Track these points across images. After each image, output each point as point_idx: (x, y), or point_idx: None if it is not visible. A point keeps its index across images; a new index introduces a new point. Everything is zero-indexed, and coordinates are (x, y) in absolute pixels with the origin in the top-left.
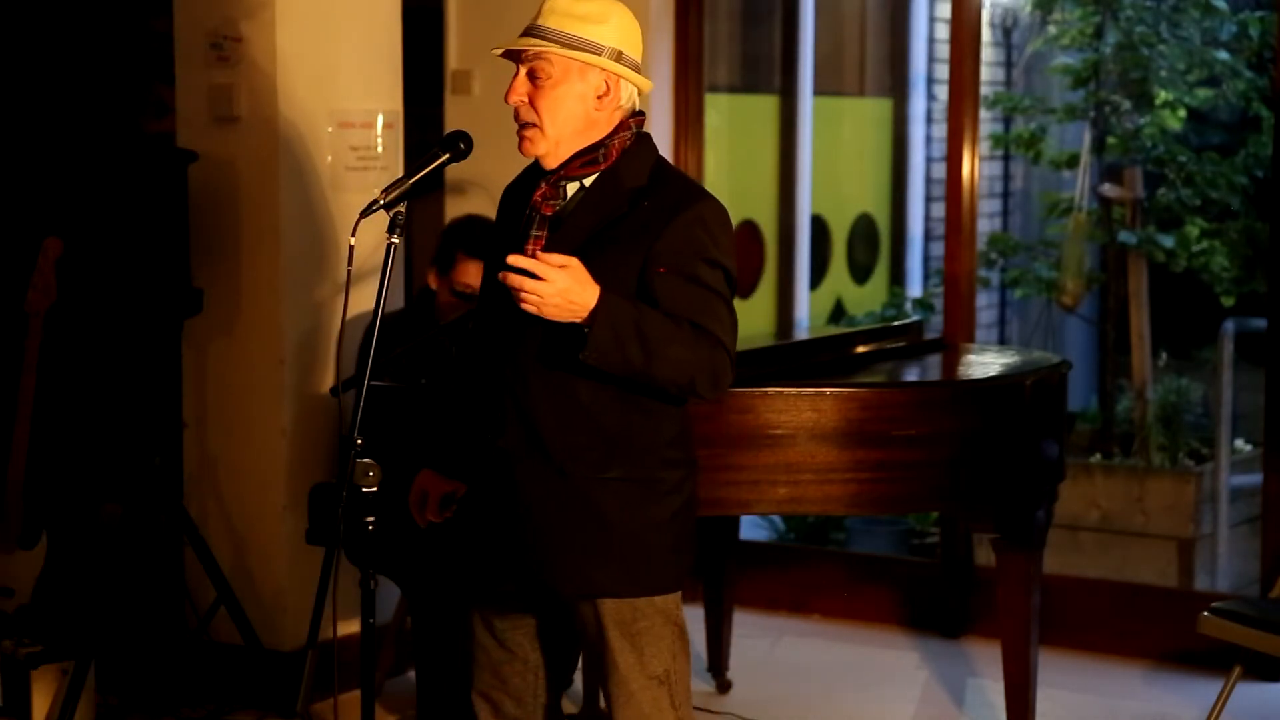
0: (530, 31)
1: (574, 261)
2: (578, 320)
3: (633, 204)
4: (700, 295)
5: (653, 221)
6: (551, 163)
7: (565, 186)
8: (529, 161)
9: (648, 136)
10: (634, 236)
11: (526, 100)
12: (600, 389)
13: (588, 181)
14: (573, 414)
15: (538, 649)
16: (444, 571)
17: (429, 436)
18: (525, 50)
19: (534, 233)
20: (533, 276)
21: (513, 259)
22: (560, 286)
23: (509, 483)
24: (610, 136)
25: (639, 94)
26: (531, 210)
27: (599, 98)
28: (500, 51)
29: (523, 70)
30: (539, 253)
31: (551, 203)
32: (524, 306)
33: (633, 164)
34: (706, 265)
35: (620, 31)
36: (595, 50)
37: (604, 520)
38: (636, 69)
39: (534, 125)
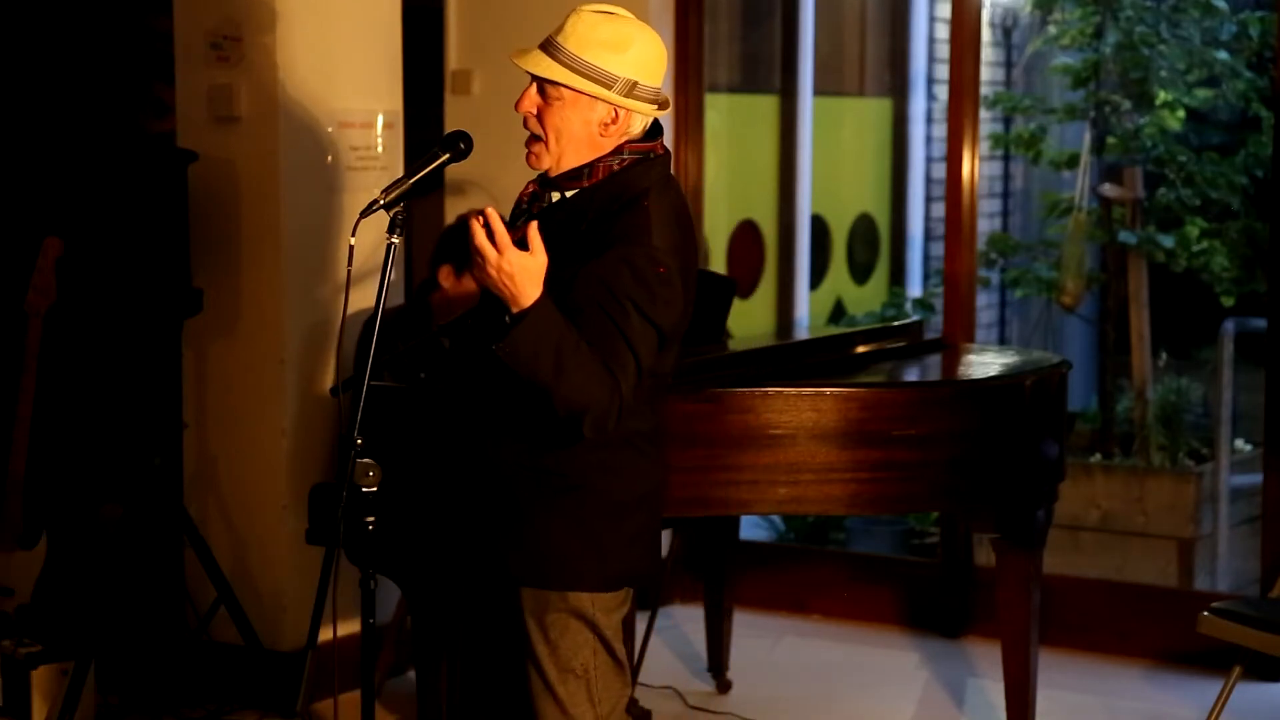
0: (548, 47)
1: (541, 256)
2: (509, 305)
3: (592, 224)
4: (613, 337)
5: (595, 246)
6: (553, 173)
7: (550, 194)
8: (529, 161)
9: (654, 160)
10: (572, 258)
11: (535, 114)
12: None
13: (569, 194)
14: (510, 402)
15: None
16: (444, 571)
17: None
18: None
19: (519, 224)
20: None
21: (489, 211)
22: (508, 268)
23: (460, 464)
24: (599, 159)
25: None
26: (521, 202)
27: (604, 125)
28: (517, 61)
29: (534, 83)
30: (529, 228)
31: (538, 204)
32: (474, 259)
33: (615, 186)
34: (635, 312)
35: (639, 60)
36: (607, 83)
37: (520, 508)
38: (654, 96)
39: (540, 140)
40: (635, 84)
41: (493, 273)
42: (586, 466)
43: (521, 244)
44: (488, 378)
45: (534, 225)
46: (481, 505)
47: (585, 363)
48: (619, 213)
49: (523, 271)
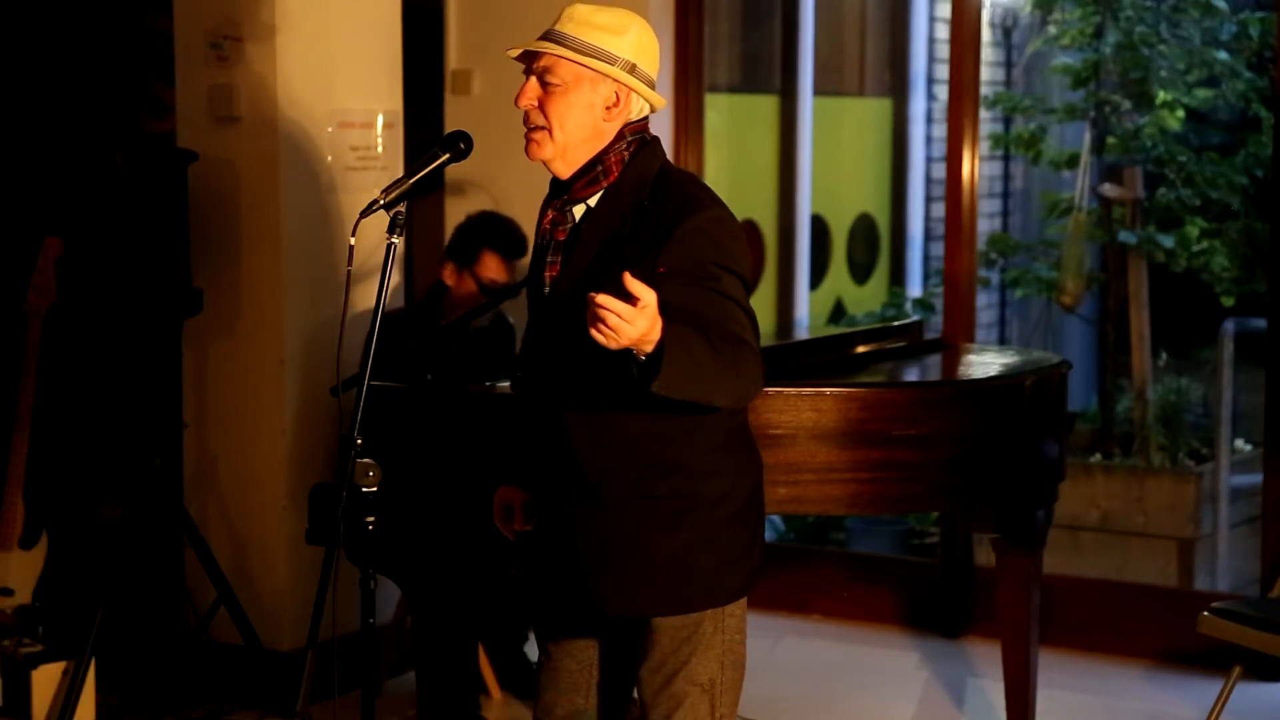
0: (547, 36)
1: (650, 295)
2: (642, 350)
3: (635, 219)
4: (720, 303)
5: (655, 235)
6: (559, 168)
7: (572, 210)
8: (528, 162)
9: (652, 143)
10: (637, 252)
11: (537, 104)
12: (633, 412)
13: (592, 202)
14: (607, 437)
15: (593, 646)
16: (444, 571)
17: (503, 452)
18: (538, 55)
19: (549, 259)
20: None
21: (602, 299)
22: (642, 327)
23: (555, 508)
24: (606, 151)
25: (650, 109)
26: (544, 236)
27: (608, 108)
28: (516, 53)
29: (535, 74)
30: (625, 279)
31: (562, 227)
32: (594, 334)
33: (635, 177)
34: (725, 272)
35: (637, 45)
36: (609, 60)
37: (645, 541)
38: (650, 84)
39: (543, 129)
40: (635, 66)
41: (629, 343)
42: (695, 478)
43: (628, 297)
44: (589, 424)
45: (627, 274)
46: (594, 544)
47: (722, 355)
48: (656, 197)
49: (650, 321)
